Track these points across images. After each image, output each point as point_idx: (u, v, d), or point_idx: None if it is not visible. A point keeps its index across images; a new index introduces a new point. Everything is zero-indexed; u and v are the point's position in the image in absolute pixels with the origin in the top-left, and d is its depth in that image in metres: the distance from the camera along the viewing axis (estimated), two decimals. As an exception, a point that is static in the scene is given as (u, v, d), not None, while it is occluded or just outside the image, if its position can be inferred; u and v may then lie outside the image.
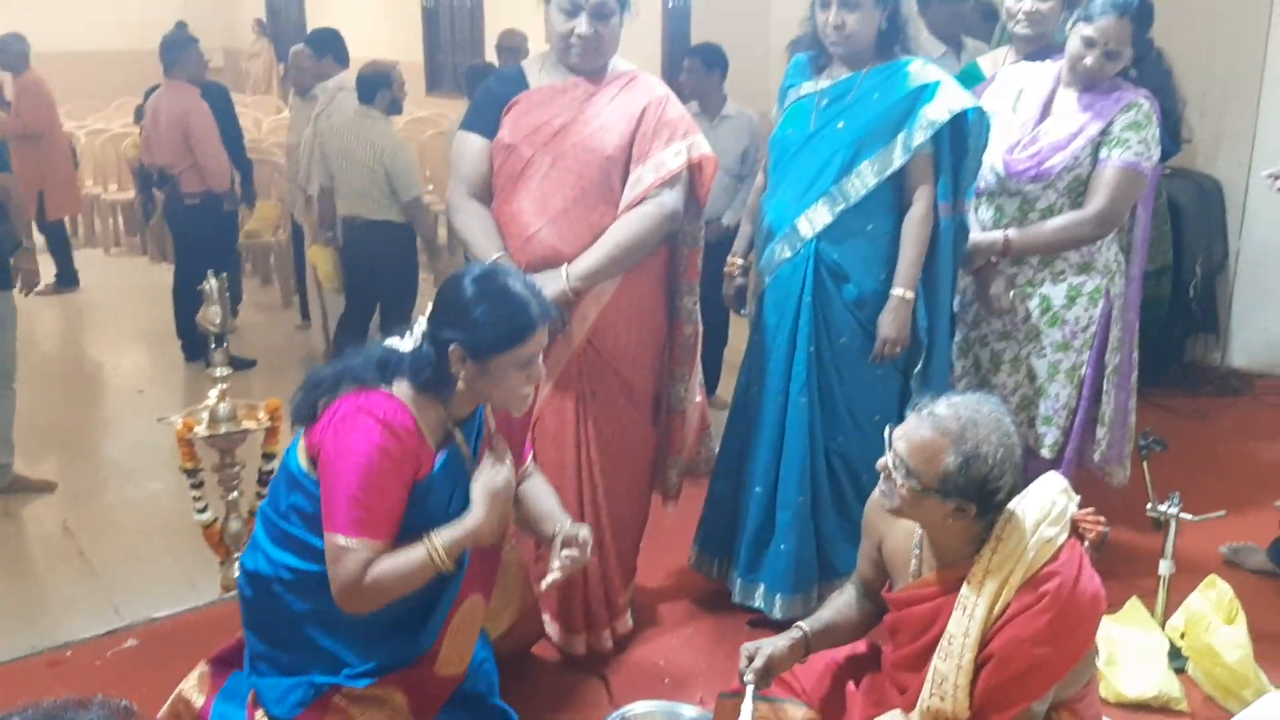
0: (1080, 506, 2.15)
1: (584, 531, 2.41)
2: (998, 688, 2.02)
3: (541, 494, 2.57)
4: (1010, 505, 2.09)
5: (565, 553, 2.35)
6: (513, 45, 6.42)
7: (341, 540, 2.14)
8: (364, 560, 2.15)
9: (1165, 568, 2.96)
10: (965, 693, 2.04)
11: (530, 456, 2.63)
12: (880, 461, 2.11)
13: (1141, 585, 3.14)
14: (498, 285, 2.23)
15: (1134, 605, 3.04)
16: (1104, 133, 2.99)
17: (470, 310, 2.20)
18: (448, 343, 2.20)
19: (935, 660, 2.08)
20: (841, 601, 2.44)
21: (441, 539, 2.20)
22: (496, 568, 2.50)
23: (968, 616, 2.05)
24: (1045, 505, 2.10)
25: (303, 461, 2.26)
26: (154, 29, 7.78)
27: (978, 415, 2.03)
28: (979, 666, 2.04)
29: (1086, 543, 2.13)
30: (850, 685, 2.37)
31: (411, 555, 2.19)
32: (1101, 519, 2.15)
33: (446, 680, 2.39)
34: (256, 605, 2.35)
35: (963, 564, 2.10)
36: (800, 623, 2.35)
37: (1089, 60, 2.95)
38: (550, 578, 2.32)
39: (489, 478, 2.29)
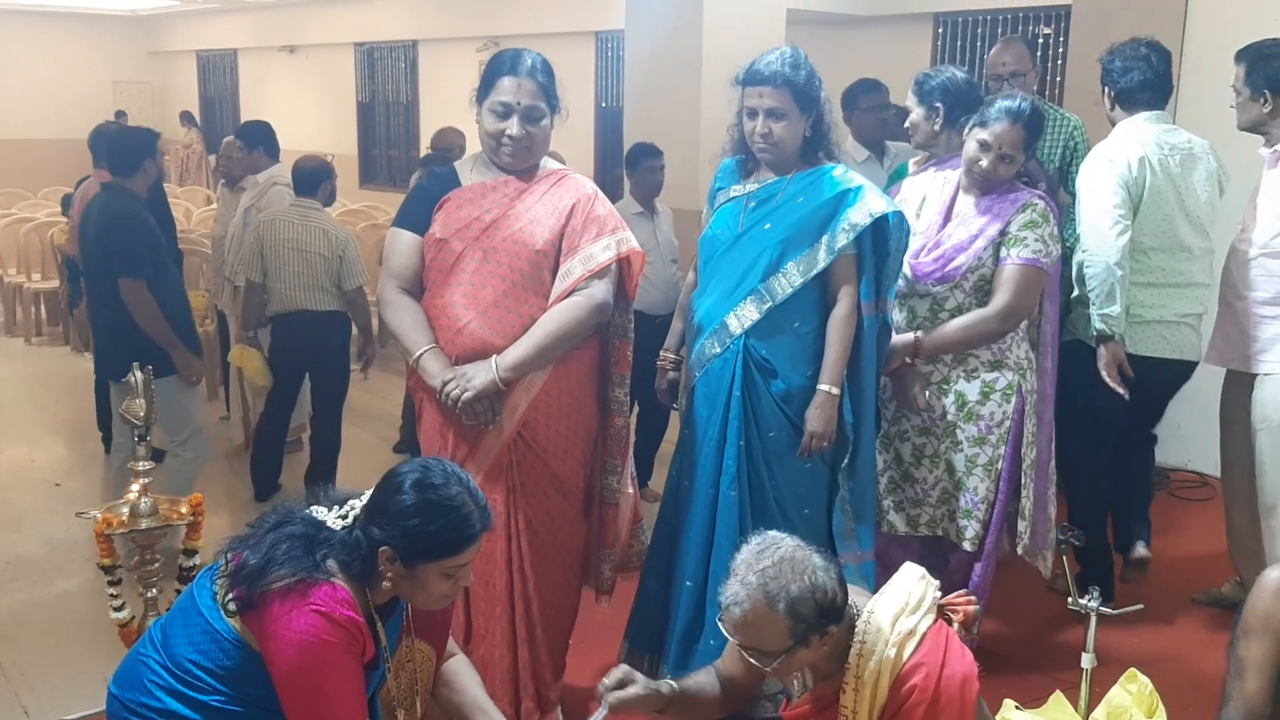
0: (993, 595, 2.21)
1: None
2: None
3: (468, 682, 2.51)
4: (868, 605, 2.14)
5: None
6: (447, 145, 6.50)
7: None
8: None
9: (1087, 661, 3.00)
10: None
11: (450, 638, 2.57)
12: (741, 654, 2.14)
13: (1064, 679, 3.19)
14: (438, 496, 2.14)
15: (1057, 699, 3.07)
16: (1003, 233, 3.14)
17: (406, 518, 2.12)
18: (379, 542, 2.13)
19: None
20: (705, 680, 2.45)
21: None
22: None
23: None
24: (902, 598, 2.15)
25: (228, 617, 2.14)
26: (83, 119, 7.77)
27: (758, 568, 2.07)
28: None
29: (956, 624, 2.17)
30: None
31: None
32: (973, 599, 2.21)
33: None
34: None
35: (835, 678, 2.15)
36: (671, 680, 2.37)
37: (984, 163, 3.12)
38: None
39: None
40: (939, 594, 2.18)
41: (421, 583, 2.16)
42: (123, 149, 4.50)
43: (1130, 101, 3.64)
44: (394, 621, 2.31)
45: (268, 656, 2.10)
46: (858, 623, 2.13)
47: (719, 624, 2.15)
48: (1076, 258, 3.58)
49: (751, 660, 2.12)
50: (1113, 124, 3.72)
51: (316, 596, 2.08)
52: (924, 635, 2.10)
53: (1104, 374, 3.44)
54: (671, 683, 2.35)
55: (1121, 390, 3.43)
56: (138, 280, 4.28)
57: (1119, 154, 3.54)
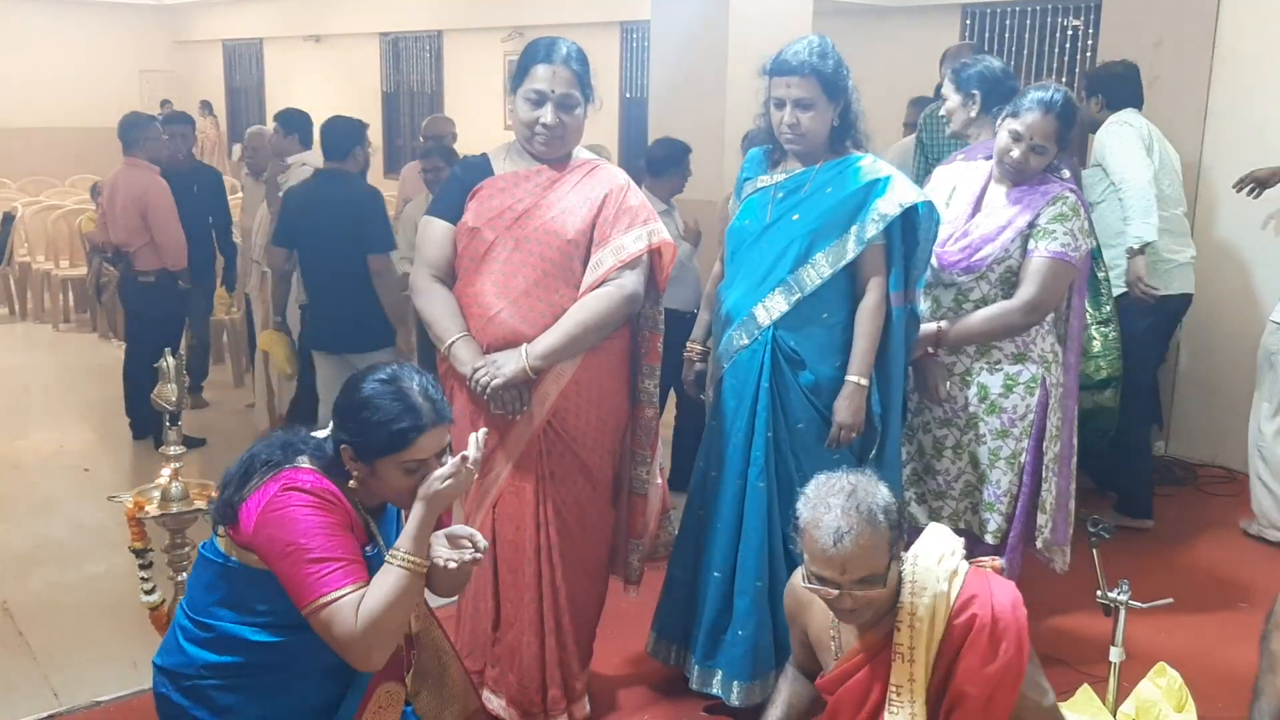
0: (1020, 590, 2.25)
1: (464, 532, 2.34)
2: (985, 706, 2.09)
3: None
4: (909, 553, 2.20)
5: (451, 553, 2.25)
6: (439, 133, 6.49)
7: (322, 600, 2.07)
8: (353, 606, 2.08)
9: (1115, 655, 2.99)
10: None
11: None
12: (843, 606, 2.14)
13: (1092, 673, 3.18)
14: (390, 389, 2.20)
15: (1085, 693, 3.06)
16: (1031, 225, 3.11)
17: (359, 412, 2.19)
18: (340, 441, 2.21)
19: (886, 717, 2.11)
20: (790, 692, 2.48)
21: (402, 546, 2.15)
22: (409, 653, 2.43)
23: (908, 662, 2.09)
24: (940, 544, 2.21)
25: (224, 548, 2.22)
26: (110, 107, 7.81)
27: (842, 499, 2.12)
28: (938, 712, 2.08)
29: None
30: None
31: (386, 579, 2.12)
32: (999, 559, 2.26)
33: None
34: (173, 704, 2.27)
35: (883, 624, 2.14)
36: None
37: (1015, 153, 3.09)
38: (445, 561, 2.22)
39: (426, 484, 2.22)
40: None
41: (385, 479, 2.20)
42: (336, 136, 4.74)
43: (1119, 103, 4.56)
44: (386, 521, 2.34)
45: (253, 548, 2.15)
46: (904, 568, 2.17)
47: (801, 581, 2.18)
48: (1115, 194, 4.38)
49: (848, 608, 2.11)
50: (1094, 125, 4.59)
51: (283, 477, 2.16)
52: (965, 574, 2.16)
53: (1139, 284, 4.30)
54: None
55: (1155, 290, 4.33)
56: (386, 256, 4.60)
57: (1133, 120, 4.48)
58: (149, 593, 2.99)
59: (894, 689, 2.10)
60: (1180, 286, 4.64)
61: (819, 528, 2.11)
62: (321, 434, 2.31)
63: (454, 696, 2.65)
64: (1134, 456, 4.59)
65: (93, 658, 3.46)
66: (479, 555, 2.24)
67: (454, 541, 2.28)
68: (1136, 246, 4.30)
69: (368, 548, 2.23)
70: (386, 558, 2.17)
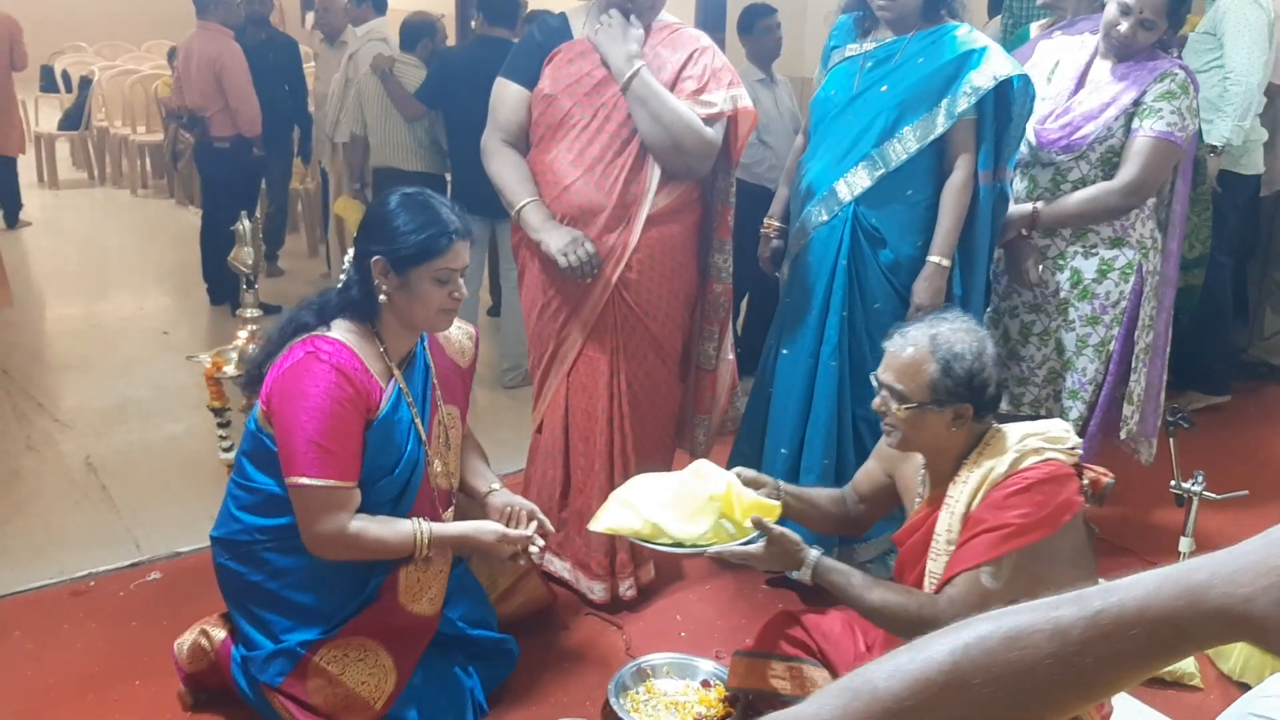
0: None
1: (526, 508, 2.49)
2: (961, 546, 2.05)
3: (472, 448, 2.64)
4: (1001, 426, 2.14)
5: (532, 547, 2.42)
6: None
7: (305, 480, 2.16)
8: (338, 504, 2.18)
9: (1185, 545, 2.95)
10: None
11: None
12: (875, 402, 2.16)
13: (1161, 562, 3.12)
14: (419, 200, 2.30)
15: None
16: (1137, 103, 2.96)
17: (391, 221, 2.26)
18: (371, 255, 2.25)
19: (928, 563, 2.11)
20: (825, 492, 2.50)
21: (430, 527, 2.28)
22: (445, 501, 2.51)
23: (949, 513, 2.08)
24: (1039, 427, 2.13)
25: (260, 419, 2.29)
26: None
27: (941, 324, 2.12)
28: None
29: (1085, 481, 2.13)
30: (863, 646, 2.38)
31: (397, 526, 2.26)
32: (1109, 474, 2.16)
33: (419, 620, 2.40)
34: (230, 572, 2.37)
35: (953, 480, 2.12)
36: (780, 483, 2.37)
37: (1123, 27, 2.93)
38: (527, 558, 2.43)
39: (492, 525, 2.38)
40: (1080, 452, 2.14)
41: (416, 292, 2.26)
42: (498, 1, 4.71)
43: None
44: (415, 373, 2.39)
45: (268, 411, 2.23)
46: (987, 434, 2.12)
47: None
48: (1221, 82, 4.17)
49: (885, 413, 2.12)
50: None
51: (305, 343, 2.22)
52: (1050, 461, 2.05)
53: (1215, 180, 4.24)
54: (780, 483, 2.37)
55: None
56: None
57: (1265, 0, 4.20)
58: (227, 450, 3.07)
59: (935, 537, 2.10)
60: (1255, 167, 4.52)
61: (898, 331, 2.16)
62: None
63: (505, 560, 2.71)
64: (1213, 330, 4.51)
65: (172, 511, 3.56)
66: (531, 554, 2.42)
67: (513, 515, 2.38)
68: (1219, 146, 4.18)
69: (385, 406, 2.25)
70: (414, 522, 2.26)
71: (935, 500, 2.16)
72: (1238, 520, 3.50)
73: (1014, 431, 2.11)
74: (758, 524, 2.12)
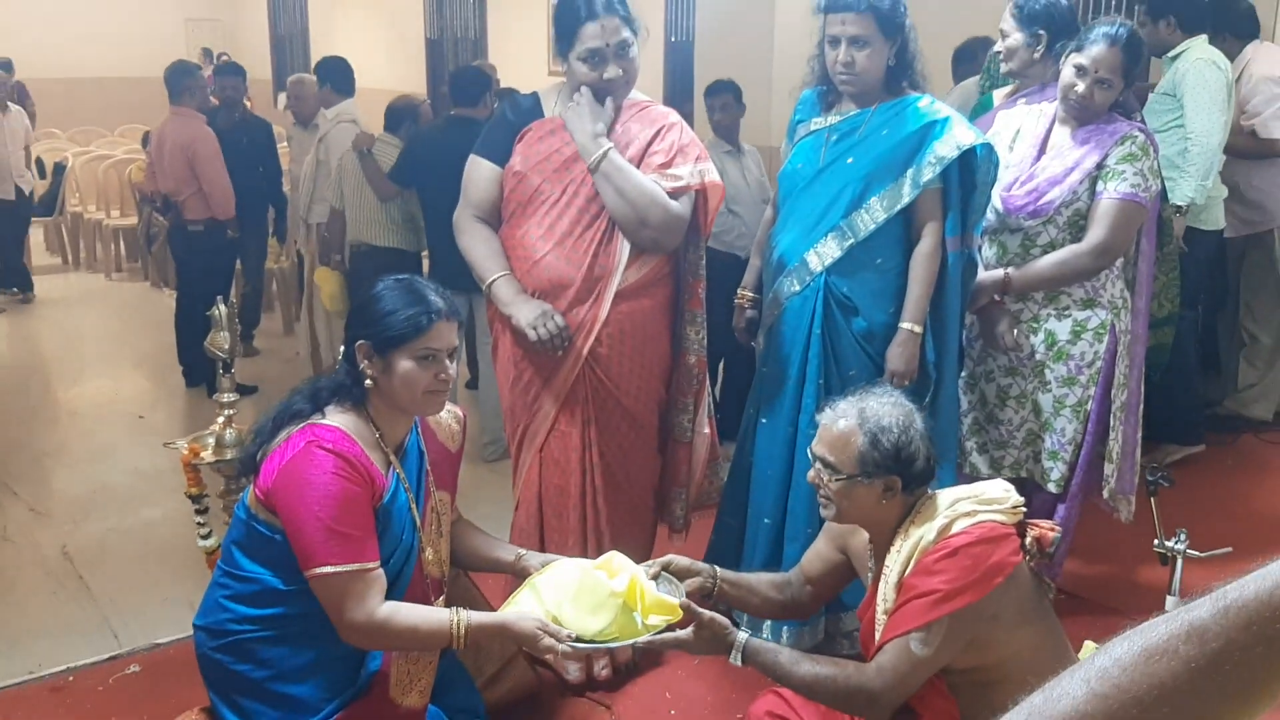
0: (1078, 538, 2.16)
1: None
2: (893, 614, 2.04)
3: (470, 528, 2.57)
4: (935, 492, 2.15)
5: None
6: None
7: (328, 570, 2.10)
8: (366, 588, 2.12)
9: (1171, 605, 2.95)
10: None
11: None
12: (809, 474, 2.18)
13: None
14: (403, 283, 2.29)
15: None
16: (1100, 166, 3.02)
17: (374, 304, 2.26)
18: (356, 340, 2.25)
19: (877, 636, 2.10)
20: (767, 577, 2.47)
21: (469, 616, 2.19)
22: (437, 590, 2.45)
23: (885, 583, 2.10)
24: (973, 489, 2.14)
25: (254, 507, 2.24)
26: (157, 56, 7.81)
27: (869, 398, 2.15)
28: None
29: (1030, 540, 2.12)
30: None
31: (433, 615, 2.19)
32: (1056, 527, 2.16)
33: (408, 714, 2.34)
34: (215, 662, 2.31)
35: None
36: (718, 569, 2.36)
37: (1080, 88, 2.99)
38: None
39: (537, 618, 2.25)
40: (1023, 511, 2.13)
41: (399, 373, 2.22)
42: (466, 83, 4.91)
43: (1194, 26, 4.33)
44: (410, 460, 2.36)
45: (271, 502, 2.18)
46: (920, 502, 2.13)
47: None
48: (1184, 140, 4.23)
49: (819, 485, 2.14)
50: (1165, 48, 4.35)
51: (306, 432, 2.18)
52: (983, 523, 2.03)
53: (1180, 239, 4.20)
54: (715, 569, 2.35)
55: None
56: None
57: (1221, 63, 4.28)
58: (205, 537, 3.03)
59: (876, 607, 2.11)
60: (1217, 222, 4.59)
61: (829, 404, 2.21)
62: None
63: (491, 646, 2.68)
64: (1183, 381, 4.54)
65: (151, 601, 3.52)
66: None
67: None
68: (1184, 205, 4.21)
69: (385, 496, 2.22)
70: (452, 612, 2.20)
71: (879, 572, 2.17)
72: (1222, 576, 3.43)
73: (945, 496, 2.12)
74: (686, 608, 2.10)
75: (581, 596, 2.17)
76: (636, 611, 2.13)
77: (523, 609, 2.21)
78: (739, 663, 2.11)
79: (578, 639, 2.13)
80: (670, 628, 2.13)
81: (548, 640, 2.15)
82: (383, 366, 2.23)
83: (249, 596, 2.26)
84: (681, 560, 2.31)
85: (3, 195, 7.67)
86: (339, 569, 2.11)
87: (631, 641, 2.14)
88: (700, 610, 2.10)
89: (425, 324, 2.23)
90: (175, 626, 3.31)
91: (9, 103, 7.83)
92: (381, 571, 2.17)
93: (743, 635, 2.12)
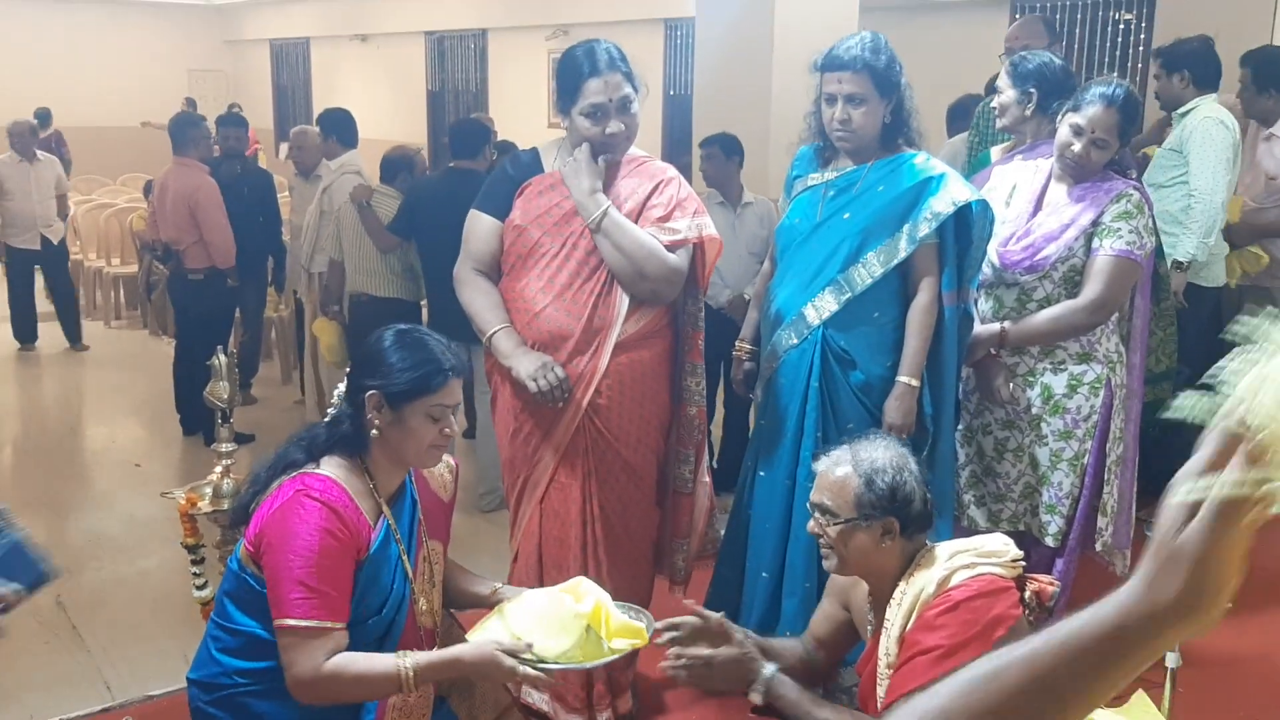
0: (1076, 592, 2.16)
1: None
2: (898, 670, 2.03)
3: (453, 568, 2.55)
4: (935, 545, 2.16)
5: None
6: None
7: (292, 623, 2.08)
8: (321, 645, 2.09)
9: (1172, 660, 2.93)
10: None
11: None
12: (809, 525, 2.19)
13: (1148, 678, 3.11)
14: (415, 336, 2.29)
15: (1140, 699, 3.00)
16: (1095, 223, 3.05)
17: (387, 357, 2.25)
18: (365, 390, 2.23)
19: (878, 689, 2.09)
20: (788, 643, 2.46)
21: (415, 658, 2.15)
22: (430, 640, 2.41)
23: (887, 636, 2.09)
24: (972, 542, 2.14)
25: (244, 559, 2.23)
26: (160, 106, 7.90)
27: (861, 443, 2.18)
28: None
29: (1029, 594, 2.11)
30: None
31: (377, 662, 2.14)
32: (1055, 581, 2.16)
33: None
34: (208, 716, 2.29)
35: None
36: (748, 633, 2.32)
37: (1076, 147, 3.03)
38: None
39: (493, 639, 2.23)
40: (1022, 565, 2.13)
41: (409, 427, 2.22)
42: (466, 135, 4.97)
43: (1206, 83, 4.42)
44: (403, 509, 2.34)
45: (256, 549, 2.16)
46: (920, 554, 2.13)
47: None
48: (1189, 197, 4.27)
49: (819, 534, 2.15)
50: (1178, 103, 4.46)
51: (295, 481, 2.17)
52: (983, 576, 2.03)
53: (1180, 295, 4.23)
54: (750, 632, 2.33)
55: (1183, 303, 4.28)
56: None
57: (1229, 122, 4.32)
58: (201, 588, 3.02)
59: (878, 661, 2.10)
60: (1217, 279, 4.62)
61: (823, 453, 2.24)
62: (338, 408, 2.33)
63: (485, 695, 2.65)
64: (1181, 436, 4.50)
65: (145, 652, 3.50)
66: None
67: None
68: (1185, 262, 4.26)
69: (375, 543, 2.21)
70: (397, 655, 2.16)
71: (879, 625, 2.17)
72: (1224, 631, 3.50)
73: (945, 549, 2.12)
74: (723, 625, 2.14)
75: (547, 619, 2.18)
76: (602, 634, 2.14)
77: (490, 635, 2.20)
78: (759, 698, 2.10)
79: (541, 660, 2.12)
80: (636, 653, 2.13)
81: (509, 661, 2.10)
82: (393, 419, 2.22)
83: (240, 649, 2.25)
84: (716, 615, 2.24)
85: (28, 245, 7.64)
86: (301, 623, 2.09)
87: (607, 660, 2.14)
88: (735, 628, 2.12)
89: (441, 382, 2.23)
90: (169, 678, 3.28)
91: (40, 152, 7.85)
92: (344, 632, 2.14)
93: (770, 667, 2.13)
